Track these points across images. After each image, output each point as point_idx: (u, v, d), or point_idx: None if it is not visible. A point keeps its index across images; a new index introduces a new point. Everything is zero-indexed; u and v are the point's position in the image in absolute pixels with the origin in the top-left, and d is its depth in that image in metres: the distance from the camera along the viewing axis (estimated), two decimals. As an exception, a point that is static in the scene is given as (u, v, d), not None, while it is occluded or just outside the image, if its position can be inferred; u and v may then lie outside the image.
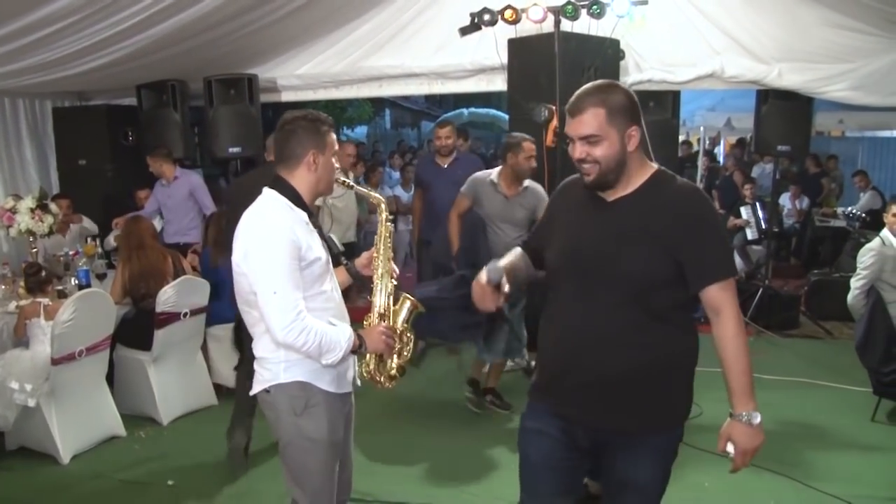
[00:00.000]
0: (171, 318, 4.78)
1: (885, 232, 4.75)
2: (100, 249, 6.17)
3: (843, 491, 3.84)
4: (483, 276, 2.32)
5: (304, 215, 2.51)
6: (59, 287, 5.06)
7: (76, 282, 5.22)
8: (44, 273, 4.75)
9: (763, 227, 8.02)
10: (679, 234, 2.10)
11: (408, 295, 2.84)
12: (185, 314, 4.88)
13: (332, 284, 2.62)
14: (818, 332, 6.64)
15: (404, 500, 3.89)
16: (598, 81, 2.20)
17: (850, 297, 4.78)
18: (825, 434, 4.58)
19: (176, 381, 4.97)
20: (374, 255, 2.81)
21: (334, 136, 2.59)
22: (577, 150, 2.14)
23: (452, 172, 5.71)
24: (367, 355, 2.72)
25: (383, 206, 2.85)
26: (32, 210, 5.40)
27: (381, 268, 2.78)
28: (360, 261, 2.87)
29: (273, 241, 2.39)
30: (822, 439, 4.49)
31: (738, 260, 7.96)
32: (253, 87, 6.63)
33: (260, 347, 2.54)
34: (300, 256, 2.41)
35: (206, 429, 4.66)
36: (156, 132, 6.83)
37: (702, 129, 11.34)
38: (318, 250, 2.50)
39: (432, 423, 4.92)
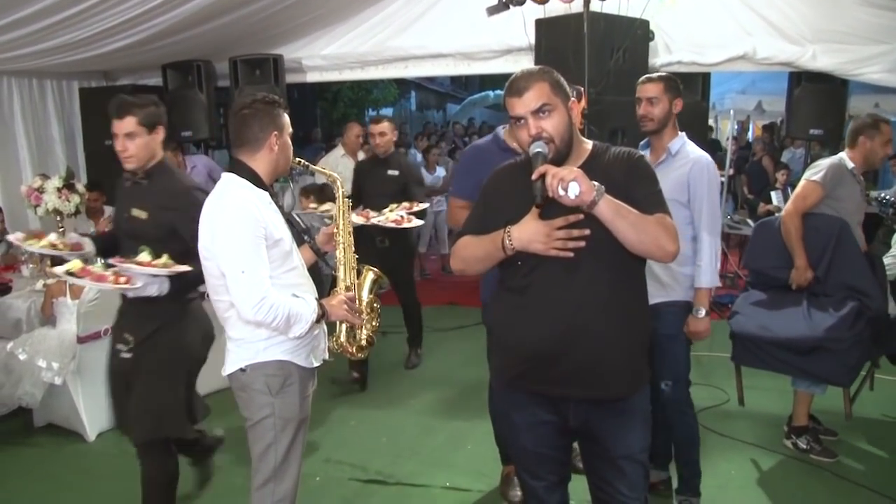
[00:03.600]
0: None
1: None
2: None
3: (872, 481, 3.79)
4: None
5: (265, 195, 2.57)
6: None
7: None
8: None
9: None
10: (629, 182, 2.20)
11: (371, 267, 2.95)
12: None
13: (300, 261, 2.69)
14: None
15: (426, 483, 3.89)
16: (531, 68, 2.27)
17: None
18: (854, 423, 4.50)
19: (200, 360, 4.98)
20: (335, 230, 2.88)
21: (287, 118, 2.65)
22: (532, 128, 2.16)
23: None
24: (338, 327, 2.81)
25: (339, 183, 2.93)
26: (59, 190, 5.43)
27: (343, 242, 2.87)
28: (321, 238, 2.94)
29: (239, 221, 2.44)
30: (852, 429, 4.41)
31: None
32: (278, 67, 6.62)
33: (238, 328, 2.58)
34: (266, 235, 2.46)
35: (228, 408, 4.66)
36: (181, 113, 6.82)
37: (731, 112, 11.14)
38: (282, 229, 2.56)
39: (457, 406, 4.92)
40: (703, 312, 3.24)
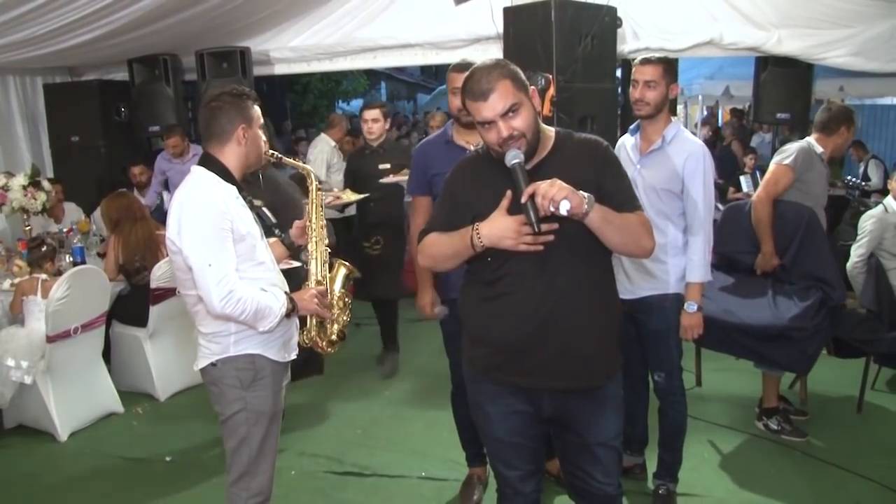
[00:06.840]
0: (167, 293, 4.76)
1: (888, 199, 4.68)
2: (94, 226, 6.13)
3: (840, 458, 3.86)
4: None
5: (233, 189, 2.55)
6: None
7: (71, 259, 5.18)
8: (45, 248, 4.69)
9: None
10: (601, 176, 2.19)
11: (342, 261, 2.92)
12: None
13: (268, 256, 2.67)
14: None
15: (402, 474, 3.90)
16: (486, 64, 2.15)
17: (849, 265, 4.73)
18: (824, 403, 4.58)
19: (173, 357, 4.96)
20: (307, 223, 2.85)
21: (258, 110, 2.62)
22: (504, 130, 2.10)
23: None
24: (309, 321, 2.79)
25: (313, 176, 2.92)
26: (25, 187, 5.35)
27: (315, 236, 2.84)
28: (294, 231, 2.92)
29: (205, 215, 2.43)
30: (821, 408, 4.48)
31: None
32: (246, 60, 6.55)
33: (206, 323, 2.56)
34: (232, 229, 2.45)
35: (204, 404, 4.62)
36: (148, 107, 6.77)
37: (700, 97, 11.20)
38: (249, 224, 2.55)
39: (431, 395, 4.90)
40: (695, 307, 3.18)
